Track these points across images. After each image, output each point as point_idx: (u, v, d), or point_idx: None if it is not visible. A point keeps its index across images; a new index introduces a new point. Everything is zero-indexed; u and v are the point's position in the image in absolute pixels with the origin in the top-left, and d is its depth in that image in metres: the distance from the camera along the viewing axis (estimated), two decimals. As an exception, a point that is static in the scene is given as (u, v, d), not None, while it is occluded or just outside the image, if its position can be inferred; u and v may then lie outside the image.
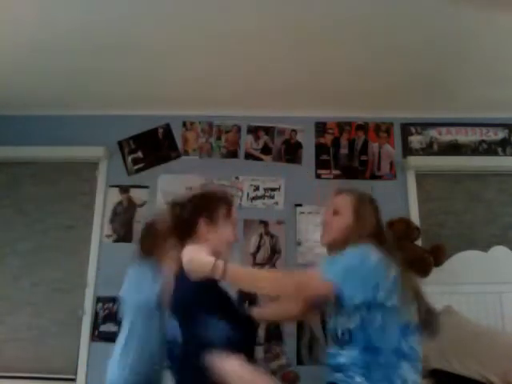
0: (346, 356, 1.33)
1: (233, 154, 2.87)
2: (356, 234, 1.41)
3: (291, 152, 2.88)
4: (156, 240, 1.79)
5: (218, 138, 2.91)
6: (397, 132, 2.90)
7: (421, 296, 1.37)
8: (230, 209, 1.46)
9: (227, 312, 1.34)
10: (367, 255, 1.31)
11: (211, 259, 1.24)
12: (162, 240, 1.72)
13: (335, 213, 1.50)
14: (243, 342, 1.33)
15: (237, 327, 1.29)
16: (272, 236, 2.70)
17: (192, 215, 1.41)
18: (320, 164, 2.84)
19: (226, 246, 1.43)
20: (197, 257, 1.25)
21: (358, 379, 1.27)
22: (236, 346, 1.23)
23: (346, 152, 2.87)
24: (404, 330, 1.31)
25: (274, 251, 2.68)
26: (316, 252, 2.55)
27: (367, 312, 1.30)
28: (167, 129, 2.92)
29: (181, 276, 1.34)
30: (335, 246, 1.47)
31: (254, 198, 2.77)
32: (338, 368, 1.34)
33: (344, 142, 2.89)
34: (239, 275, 1.30)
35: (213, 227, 1.40)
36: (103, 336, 2.56)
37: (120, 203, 2.80)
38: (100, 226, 2.75)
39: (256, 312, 1.63)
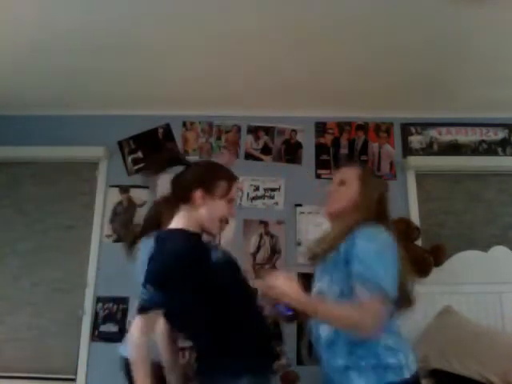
0: (329, 329, 1.33)
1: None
2: (362, 205, 1.39)
3: (291, 152, 2.88)
4: (160, 211, 1.80)
5: (218, 138, 2.91)
6: (397, 132, 2.90)
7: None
8: (230, 186, 1.44)
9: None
10: (391, 245, 1.31)
11: (304, 298, 1.26)
12: (165, 209, 1.70)
13: (341, 183, 1.46)
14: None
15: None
16: (272, 236, 2.70)
17: (190, 183, 1.42)
18: (320, 164, 2.84)
19: (218, 221, 1.42)
20: (291, 294, 1.26)
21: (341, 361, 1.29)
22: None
23: (346, 152, 2.87)
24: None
25: (274, 251, 2.68)
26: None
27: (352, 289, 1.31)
28: (167, 129, 2.92)
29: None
30: (339, 216, 1.43)
31: (254, 198, 2.77)
32: (322, 342, 1.35)
33: (344, 142, 2.89)
34: (323, 314, 1.28)
35: (209, 199, 1.39)
36: (103, 336, 2.56)
37: (120, 203, 2.80)
38: (100, 226, 2.75)
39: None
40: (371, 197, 1.41)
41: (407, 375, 1.25)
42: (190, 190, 1.40)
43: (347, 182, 1.45)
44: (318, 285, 1.41)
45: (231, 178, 1.47)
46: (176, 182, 1.49)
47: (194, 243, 1.37)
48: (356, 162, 1.56)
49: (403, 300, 1.35)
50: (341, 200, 1.43)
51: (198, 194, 1.39)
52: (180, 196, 1.44)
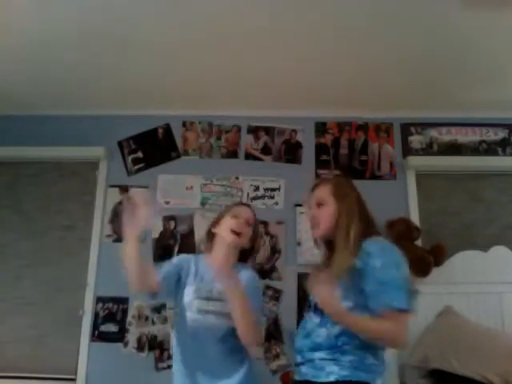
0: (324, 334, 1.38)
1: (233, 153, 2.87)
2: (345, 216, 1.45)
3: (291, 152, 2.88)
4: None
5: (218, 138, 2.91)
6: (397, 132, 2.90)
7: None
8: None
9: None
10: (402, 260, 1.37)
11: (341, 308, 1.33)
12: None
13: (319, 205, 1.53)
14: None
15: None
16: (272, 236, 2.70)
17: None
18: (320, 164, 2.84)
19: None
20: (332, 305, 1.34)
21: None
22: None
23: (346, 152, 2.87)
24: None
25: (274, 251, 2.68)
26: (316, 252, 2.54)
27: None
28: (167, 129, 2.92)
29: None
30: (328, 235, 1.51)
31: (254, 198, 2.77)
32: (316, 347, 1.39)
33: (344, 141, 2.89)
34: (353, 325, 1.33)
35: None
36: (103, 336, 2.56)
37: (120, 203, 2.80)
38: (100, 226, 2.75)
39: None
40: (350, 202, 1.48)
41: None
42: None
43: (323, 202, 1.51)
44: None
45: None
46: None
47: None
48: (323, 180, 1.68)
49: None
50: (324, 220, 1.50)
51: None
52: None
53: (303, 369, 1.40)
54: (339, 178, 1.66)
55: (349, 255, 1.36)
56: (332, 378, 1.30)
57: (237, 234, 1.68)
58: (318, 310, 1.42)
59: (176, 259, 1.81)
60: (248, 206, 1.89)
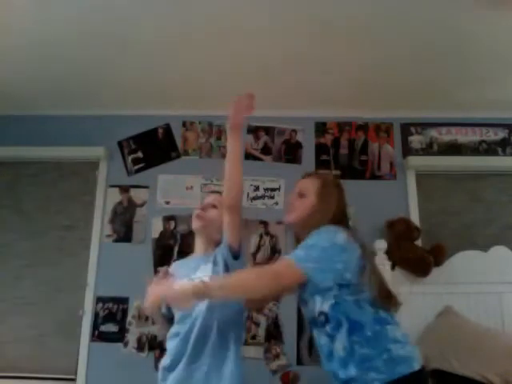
0: (336, 344, 1.33)
1: (233, 154, 2.87)
2: (319, 215, 1.44)
3: (291, 152, 2.88)
4: None
5: (218, 138, 2.91)
6: (397, 132, 2.90)
7: (378, 272, 1.43)
8: None
9: None
10: (335, 236, 1.34)
11: (188, 284, 1.31)
12: None
13: (300, 195, 1.53)
14: None
15: None
16: (272, 236, 2.70)
17: None
18: (320, 164, 2.84)
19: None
20: (172, 290, 1.31)
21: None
22: None
23: (346, 152, 2.87)
24: (374, 302, 1.34)
25: (274, 251, 2.68)
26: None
27: (338, 290, 1.33)
28: (167, 129, 2.93)
29: None
30: (298, 226, 1.51)
31: (254, 198, 2.77)
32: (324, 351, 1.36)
33: (344, 141, 2.89)
34: (223, 288, 1.31)
35: None
36: (103, 336, 2.56)
37: (120, 203, 2.80)
38: (100, 226, 2.75)
39: None
40: (328, 207, 1.47)
41: (417, 367, 1.25)
42: None
43: (305, 194, 1.52)
44: (314, 310, 1.42)
45: None
46: None
47: None
48: (314, 174, 1.68)
49: (383, 297, 1.36)
50: (299, 210, 1.50)
51: None
52: None
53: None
54: (329, 177, 1.65)
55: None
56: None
57: (199, 218, 1.68)
58: (315, 325, 1.41)
59: None
60: (216, 192, 1.88)
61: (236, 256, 1.56)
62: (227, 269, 1.53)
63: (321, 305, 1.36)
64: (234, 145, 1.66)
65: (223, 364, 1.47)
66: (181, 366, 1.48)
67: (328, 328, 1.34)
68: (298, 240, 1.53)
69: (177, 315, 1.61)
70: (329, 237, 1.34)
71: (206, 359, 1.47)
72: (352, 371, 1.27)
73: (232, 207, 1.56)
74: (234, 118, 1.61)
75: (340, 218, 1.46)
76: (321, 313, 1.36)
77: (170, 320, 1.69)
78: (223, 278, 1.38)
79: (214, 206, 1.73)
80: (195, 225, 1.69)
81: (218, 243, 1.65)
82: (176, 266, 1.79)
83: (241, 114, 1.61)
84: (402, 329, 1.35)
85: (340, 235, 1.34)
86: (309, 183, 1.55)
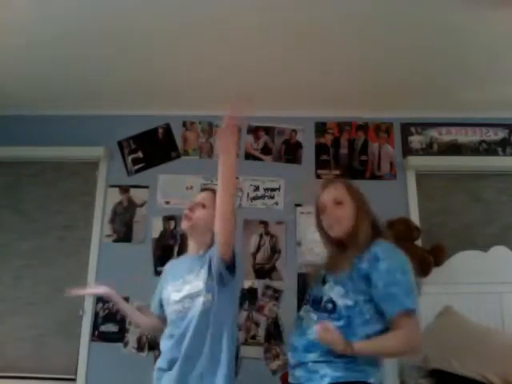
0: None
1: (233, 153, 2.87)
2: (365, 216, 1.47)
3: (291, 152, 2.88)
4: None
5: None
6: (397, 132, 2.90)
7: None
8: None
9: None
10: (406, 260, 1.40)
11: (342, 341, 1.30)
12: None
13: (338, 203, 1.50)
14: None
15: None
16: (272, 236, 2.70)
17: None
18: (320, 164, 2.84)
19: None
20: (329, 340, 1.31)
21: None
22: None
23: (346, 152, 2.87)
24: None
25: (274, 251, 2.68)
26: (316, 252, 2.54)
27: (364, 303, 1.35)
28: (167, 129, 2.92)
29: None
30: (349, 234, 1.47)
31: (254, 198, 2.77)
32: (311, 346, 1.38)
33: (344, 141, 2.89)
34: (367, 351, 1.34)
35: None
36: (103, 336, 2.56)
37: (120, 203, 2.80)
38: (100, 226, 2.75)
39: None
40: (366, 203, 1.51)
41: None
42: None
43: (342, 201, 1.50)
44: (328, 295, 1.41)
45: None
46: None
47: None
48: (332, 180, 1.71)
49: None
50: (347, 219, 1.48)
51: None
52: None
53: (297, 372, 1.40)
54: (343, 179, 1.68)
55: (357, 253, 1.39)
56: (326, 382, 1.30)
57: (186, 218, 1.64)
58: (315, 306, 1.42)
59: (159, 283, 1.82)
60: (206, 189, 1.89)
61: (230, 267, 1.50)
62: (220, 279, 1.50)
63: (338, 297, 1.37)
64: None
65: (217, 367, 1.48)
66: (175, 367, 1.48)
67: (327, 316, 1.36)
68: (337, 245, 1.52)
69: (170, 317, 1.61)
70: (404, 260, 1.39)
71: (201, 362, 1.47)
72: (312, 357, 1.35)
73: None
74: (229, 120, 1.59)
75: (374, 217, 1.50)
76: (331, 301, 1.38)
77: (163, 320, 1.69)
78: (371, 344, 1.36)
79: (203, 206, 1.66)
80: (182, 225, 1.66)
81: (209, 244, 1.60)
82: (170, 265, 1.81)
83: (236, 117, 1.59)
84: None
85: (408, 262, 1.40)
86: (338, 190, 1.53)
